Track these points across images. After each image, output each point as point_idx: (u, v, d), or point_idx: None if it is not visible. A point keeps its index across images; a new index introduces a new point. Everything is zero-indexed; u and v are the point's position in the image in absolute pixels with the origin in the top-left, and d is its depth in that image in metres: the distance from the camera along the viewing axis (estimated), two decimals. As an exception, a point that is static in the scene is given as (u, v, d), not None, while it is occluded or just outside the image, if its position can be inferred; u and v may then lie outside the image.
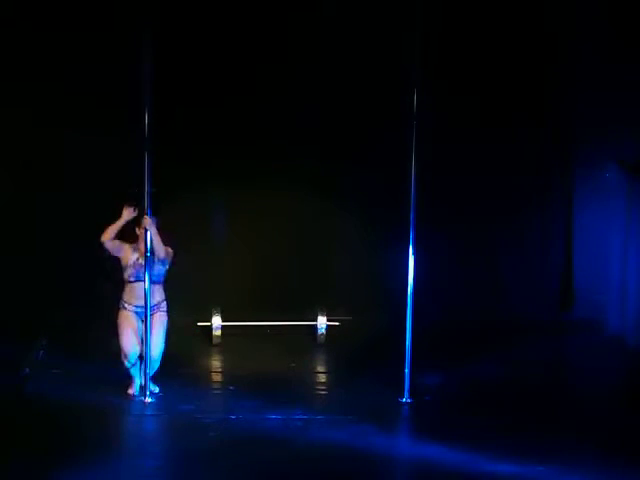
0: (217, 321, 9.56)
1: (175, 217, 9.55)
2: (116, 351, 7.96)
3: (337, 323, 9.92)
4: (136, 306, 7.80)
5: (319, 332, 9.76)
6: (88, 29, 9.59)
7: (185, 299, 9.34)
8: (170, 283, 8.14)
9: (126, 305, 7.83)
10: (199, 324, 9.69)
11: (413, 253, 7.65)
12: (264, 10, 9.73)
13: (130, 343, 7.79)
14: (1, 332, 9.09)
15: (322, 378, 8.86)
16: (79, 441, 6.78)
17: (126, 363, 7.84)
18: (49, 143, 9.88)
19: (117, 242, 7.79)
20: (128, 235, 7.90)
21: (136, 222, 7.80)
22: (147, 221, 7.66)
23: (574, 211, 10.59)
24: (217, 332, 9.56)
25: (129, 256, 7.80)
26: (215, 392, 8.28)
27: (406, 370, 7.72)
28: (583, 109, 10.12)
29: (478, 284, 10.45)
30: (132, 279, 7.80)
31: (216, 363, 9.16)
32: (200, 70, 9.86)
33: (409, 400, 7.74)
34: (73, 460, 6.40)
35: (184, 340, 8.97)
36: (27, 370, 8.48)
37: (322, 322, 9.74)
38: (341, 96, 9.98)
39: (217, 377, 8.78)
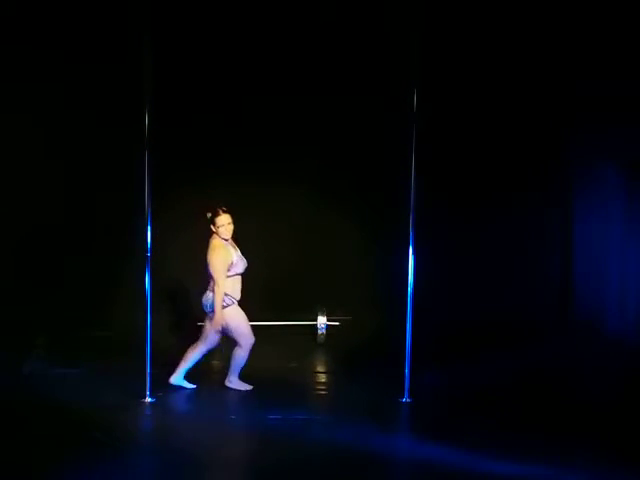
0: (217, 321, 9.55)
1: (176, 217, 9.58)
2: (121, 350, 7.96)
3: (337, 323, 9.93)
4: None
5: (319, 332, 9.78)
6: (88, 29, 9.62)
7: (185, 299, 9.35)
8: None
9: (234, 300, 7.89)
10: (199, 324, 9.67)
11: (413, 253, 7.65)
12: (264, 10, 9.75)
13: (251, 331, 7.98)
14: (1, 332, 9.10)
15: (322, 378, 8.86)
16: (77, 441, 6.77)
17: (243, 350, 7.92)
18: (49, 143, 9.90)
19: (227, 264, 7.78)
20: (209, 235, 7.88)
21: (212, 222, 7.83)
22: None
23: (574, 212, 10.60)
24: (217, 332, 9.55)
25: (233, 256, 7.85)
26: (215, 392, 8.27)
27: (406, 370, 7.72)
28: (582, 109, 10.14)
29: (478, 285, 10.46)
30: (239, 272, 7.90)
31: (216, 363, 9.15)
32: (201, 70, 9.89)
33: (409, 400, 7.74)
34: (72, 460, 6.39)
35: (184, 340, 8.95)
36: (28, 370, 8.49)
37: (322, 322, 9.76)
38: (341, 97, 9.99)
39: (217, 377, 8.78)
